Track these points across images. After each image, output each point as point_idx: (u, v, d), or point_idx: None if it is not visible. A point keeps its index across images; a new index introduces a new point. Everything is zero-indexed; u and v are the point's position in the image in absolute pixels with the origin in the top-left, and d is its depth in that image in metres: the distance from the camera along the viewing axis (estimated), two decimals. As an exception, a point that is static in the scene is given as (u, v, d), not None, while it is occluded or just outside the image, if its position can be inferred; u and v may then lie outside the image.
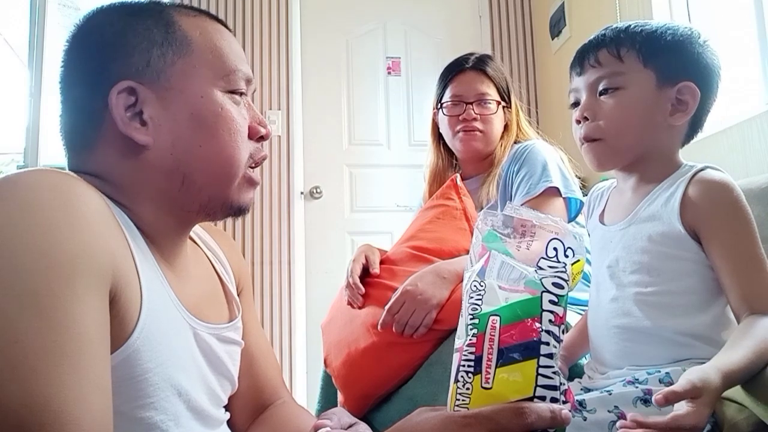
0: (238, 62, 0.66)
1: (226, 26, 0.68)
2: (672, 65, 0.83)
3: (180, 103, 0.61)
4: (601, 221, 0.94)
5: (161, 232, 0.64)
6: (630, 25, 0.86)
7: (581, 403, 0.76)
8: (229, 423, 0.75)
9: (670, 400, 0.62)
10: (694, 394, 0.62)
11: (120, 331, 0.52)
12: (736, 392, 0.70)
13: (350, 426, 0.68)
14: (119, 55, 0.60)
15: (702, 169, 0.82)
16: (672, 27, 0.85)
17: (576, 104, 0.90)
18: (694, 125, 0.87)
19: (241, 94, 0.66)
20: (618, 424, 0.66)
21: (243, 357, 0.77)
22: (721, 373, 0.65)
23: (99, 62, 0.60)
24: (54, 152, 2.65)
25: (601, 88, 0.85)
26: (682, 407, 0.61)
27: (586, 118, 0.86)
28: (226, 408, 0.75)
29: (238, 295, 0.80)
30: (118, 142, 0.60)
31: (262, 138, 0.68)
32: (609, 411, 0.74)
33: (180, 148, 0.61)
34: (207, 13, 0.66)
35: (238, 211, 0.67)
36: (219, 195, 0.64)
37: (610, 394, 0.76)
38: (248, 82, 0.67)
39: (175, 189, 0.62)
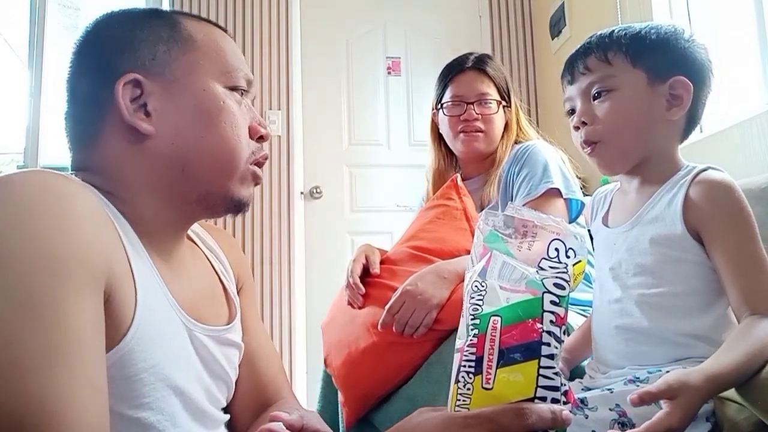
0: (239, 63, 0.69)
1: (228, 35, 0.71)
2: (660, 62, 0.83)
3: (183, 96, 0.63)
4: (605, 223, 0.94)
5: (160, 228, 0.64)
6: (614, 30, 0.87)
7: (583, 401, 0.76)
8: (230, 425, 0.75)
9: (645, 400, 0.62)
10: (669, 395, 0.62)
11: (114, 331, 0.52)
12: (736, 392, 0.70)
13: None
14: (127, 49, 0.62)
15: (704, 170, 0.82)
16: (655, 26, 0.86)
17: (572, 112, 0.90)
18: (691, 119, 0.87)
19: (242, 93, 0.69)
20: None
21: (244, 356, 0.77)
22: (704, 376, 0.65)
23: (107, 56, 0.62)
24: (54, 152, 2.65)
25: (594, 92, 0.86)
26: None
27: (584, 123, 0.87)
28: (226, 410, 0.74)
29: (238, 293, 0.79)
30: (123, 133, 0.62)
31: (261, 138, 0.70)
32: (610, 409, 0.74)
33: (182, 138, 0.63)
34: (211, 22, 0.70)
35: (238, 205, 0.68)
36: (218, 187, 0.66)
37: (612, 392, 0.76)
38: (249, 83, 0.70)
39: (176, 179, 0.63)
